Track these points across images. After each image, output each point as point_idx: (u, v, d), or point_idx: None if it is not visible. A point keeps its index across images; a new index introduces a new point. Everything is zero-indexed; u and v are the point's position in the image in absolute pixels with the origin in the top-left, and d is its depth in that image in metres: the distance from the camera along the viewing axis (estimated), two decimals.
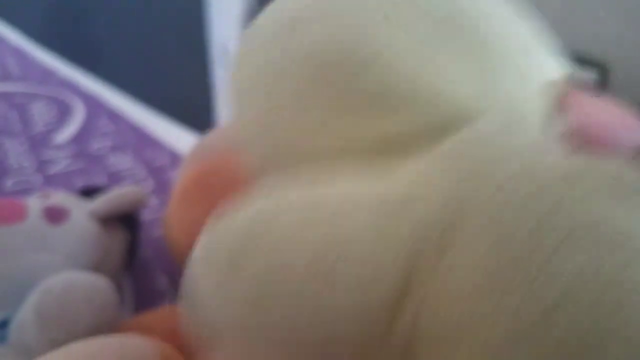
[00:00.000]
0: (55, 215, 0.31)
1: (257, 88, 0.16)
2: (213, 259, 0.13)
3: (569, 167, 0.11)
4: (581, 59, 0.26)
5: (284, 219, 0.12)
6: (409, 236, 0.11)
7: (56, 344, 0.22)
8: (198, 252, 0.13)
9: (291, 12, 0.16)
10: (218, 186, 0.32)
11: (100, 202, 0.33)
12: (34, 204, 0.32)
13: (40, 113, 0.75)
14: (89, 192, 0.38)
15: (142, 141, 0.67)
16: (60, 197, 0.34)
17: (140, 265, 0.42)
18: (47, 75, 0.95)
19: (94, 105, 0.79)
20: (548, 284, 0.09)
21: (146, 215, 0.48)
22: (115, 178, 0.57)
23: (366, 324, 0.11)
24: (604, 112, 0.14)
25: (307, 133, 0.15)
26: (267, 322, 0.11)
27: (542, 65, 0.16)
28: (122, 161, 0.61)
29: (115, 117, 0.75)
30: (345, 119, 0.14)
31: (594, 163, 0.11)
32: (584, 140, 0.13)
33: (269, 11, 0.17)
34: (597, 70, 0.26)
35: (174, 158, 0.62)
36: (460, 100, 0.14)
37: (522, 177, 0.11)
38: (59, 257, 0.30)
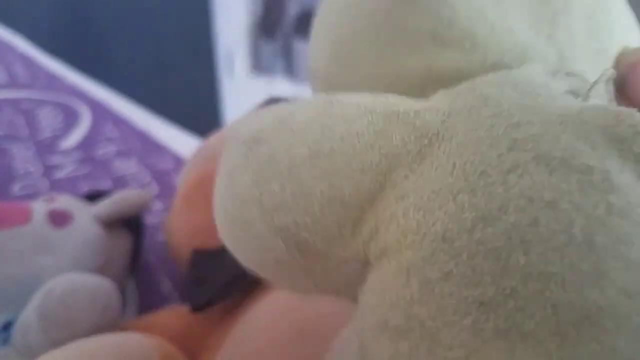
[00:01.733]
0: (59, 218, 0.32)
1: (331, 14, 0.17)
2: (239, 138, 0.13)
3: (574, 111, 0.11)
4: None
5: (300, 112, 0.13)
6: (399, 140, 0.12)
7: (59, 345, 0.23)
8: (232, 134, 0.14)
9: None
10: None
11: (104, 206, 0.34)
12: (39, 207, 0.33)
13: (47, 119, 0.76)
14: (93, 197, 0.38)
15: (147, 146, 0.67)
16: (64, 201, 0.34)
17: (143, 268, 0.42)
18: (53, 82, 0.95)
19: (100, 111, 0.80)
20: (490, 196, 0.10)
21: (150, 220, 0.48)
22: (120, 183, 0.57)
23: (339, 214, 0.12)
24: None
25: (363, 67, 0.15)
26: (262, 198, 0.12)
27: (620, 29, 0.16)
28: (127, 166, 0.62)
29: (120, 122, 0.75)
30: (399, 51, 0.15)
31: (604, 113, 0.11)
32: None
33: None
34: None
35: (179, 163, 0.62)
36: (518, 46, 0.14)
37: (518, 109, 0.12)
38: (62, 260, 0.30)
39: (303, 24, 1.79)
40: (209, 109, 2.00)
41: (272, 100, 0.38)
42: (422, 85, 0.14)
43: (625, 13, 0.17)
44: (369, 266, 0.12)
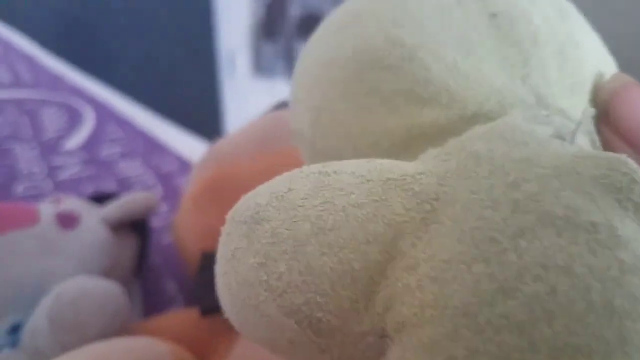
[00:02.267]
0: (67, 220, 0.32)
1: (309, 79, 0.17)
2: (237, 217, 0.13)
3: (566, 161, 0.11)
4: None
5: (297, 186, 0.12)
6: (400, 208, 0.12)
7: (68, 349, 0.23)
8: (230, 214, 0.13)
9: (352, 9, 0.17)
10: (229, 192, 0.32)
11: (112, 208, 0.33)
12: (46, 209, 0.32)
13: (51, 119, 0.76)
14: (99, 198, 0.38)
15: (151, 148, 0.67)
16: (71, 203, 0.34)
17: (149, 270, 0.42)
18: (57, 82, 0.95)
19: (104, 112, 0.80)
20: (505, 266, 0.10)
21: (155, 222, 0.48)
22: (125, 184, 0.57)
23: (350, 289, 0.11)
24: None
25: (343, 130, 0.16)
26: (270, 280, 0.12)
27: (592, 60, 0.16)
28: (131, 167, 0.61)
29: (124, 123, 0.75)
30: (377, 113, 0.15)
31: (596, 161, 0.11)
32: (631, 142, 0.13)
33: (336, 10, 0.18)
34: None
35: (182, 165, 0.62)
36: (494, 93, 0.14)
37: (512, 165, 0.12)
38: (70, 263, 0.30)
39: (304, 25, 1.79)
40: (210, 110, 2.00)
41: (282, 105, 0.38)
42: (405, 143, 0.15)
43: (596, 45, 0.17)
44: (387, 339, 0.12)
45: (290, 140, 0.33)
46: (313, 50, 0.18)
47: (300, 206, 0.12)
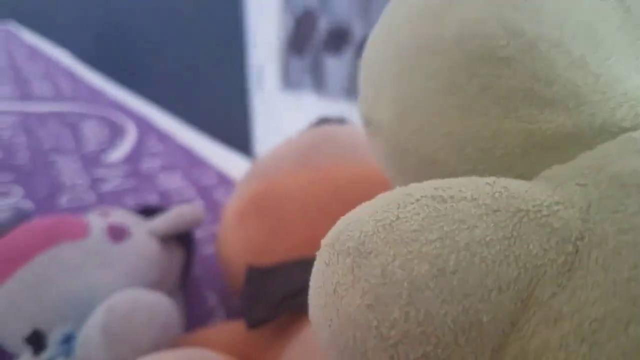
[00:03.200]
0: (117, 233, 0.32)
1: (394, 66, 0.14)
2: (338, 246, 0.11)
3: None
4: None
5: (407, 215, 0.11)
6: (537, 248, 0.10)
7: None
8: (327, 240, 0.12)
9: None
10: (273, 207, 0.32)
11: (161, 221, 0.34)
12: (96, 221, 0.33)
13: (92, 132, 0.78)
14: (145, 211, 0.39)
15: (190, 161, 0.68)
16: (120, 215, 0.35)
17: (190, 282, 0.43)
18: (97, 96, 0.98)
19: (144, 126, 0.81)
20: None
21: (196, 234, 0.49)
22: (165, 197, 0.58)
23: (475, 342, 0.10)
24: None
25: (442, 129, 0.13)
26: (381, 327, 0.10)
27: None
28: (171, 180, 0.62)
29: (164, 137, 0.77)
30: (489, 113, 0.13)
31: None
32: None
33: None
34: None
35: (221, 178, 0.63)
36: (627, 97, 0.12)
37: None
38: (120, 275, 0.31)
39: (332, 40, 1.80)
40: (239, 122, 2.02)
41: (323, 121, 0.38)
42: (522, 151, 0.12)
43: None
44: None
45: (335, 153, 0.34)
46: (394, 33, 0.15)
47: (414, 240, 0.10)
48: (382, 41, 0.15)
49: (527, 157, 0.12)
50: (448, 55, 0.13)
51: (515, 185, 0.11)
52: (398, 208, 0.11)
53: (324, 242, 0.12)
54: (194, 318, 0.39)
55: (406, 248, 0.10)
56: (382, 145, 0.16)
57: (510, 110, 0.12)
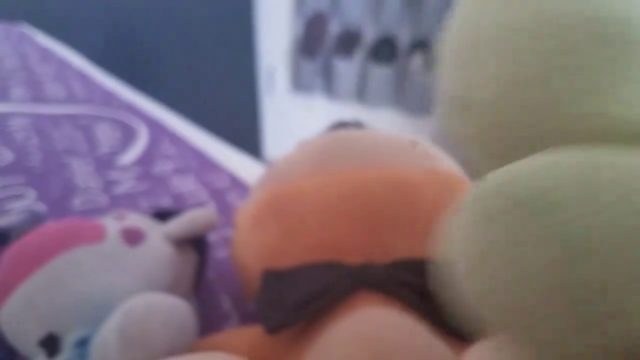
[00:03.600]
0: (132, 237, 0.32)
1: (493, 44, 0.14)
2: (508, 202, 0.10)
3: None
4: None
5: (606, 175, 0.09)
6: None
7: None
8: (477, 194, 0.10)
9: None
10: (289, 211, 0.32)
11: (176, 225, 0.34)
12: (111, 225, 0.33)
13: (105, 135, 0.78)
14: (160, 214, 0.39)
15: (203, 164, 0.68)
16: (135, 219, 0.35)
17: (204, 286, 0.42)
18: (109, 98, 0.98)
19: (157, 129, 0.82)
20: None
21: (209, 237, 0.48)
22: (179, 200, 0.58)
23: None
24: None
25: (558, 105, 0.12)
26: (576, 290, 0.09)
27: None
28: (184, 183, 0.62)
29: (176, 140, 0.77)
30: (623, 88, 0.11)
31: None
32: None
33: None
34: None
35: (234, 181, 0.63)
36: None
37: None
38: (135, 279, 0.31)
39: (343, 43, 1.80)
40: (249, 125, 2.02)
41: (341, 124, 0.38)
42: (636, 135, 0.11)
43: None
44: None
45: (351, 157, 0.33)
46: (489, 10, 0.14)
47: (610, 204, 0.09)
48: (470, 16, 0.14)
49: None
50: (561, 36, 0.12)
51: None
52: (592, 168, 0.10)
53: (471, 197, 0.10)
54: (207, 322, 0.39)
55: (609, 210, 0.09)
56: (469, 123, 0.14)
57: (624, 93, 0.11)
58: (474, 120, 0.14)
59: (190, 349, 0.29)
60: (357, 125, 0.38)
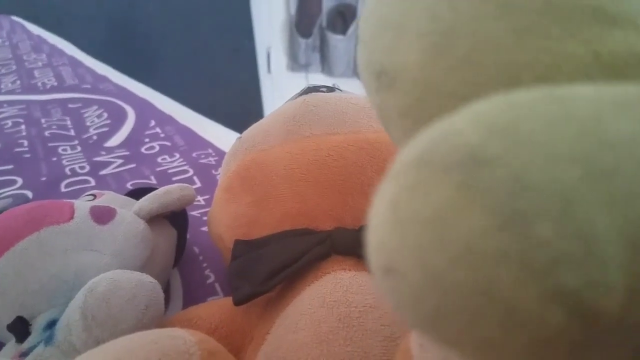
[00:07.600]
0: (102, 215, 0.31)
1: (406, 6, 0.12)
2: (436, 162, 0.09)
3: None
4: None
5: (526, 119, 0.08)
6: None
7: (102, 343, 0.22)
8: (406, 158, 0.09)
9: None
10: (260, 179, 0.31)
11: (147, 201, 0.33)
12: (82, 204, 0.32)
13: (92, 118, 0.77)
14: (138, 193, 0.38)
15: (189, 142, 0.67)
16: (107, 197, 0.34)
17: (188, 260, 0.42)
18: (98, 82, 0.97)
19: (143, 109, 0.81)
20: None
21: (195, 212, 0.48)
22: (164, 178, 0.58)
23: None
24: None
25: (490, 58, 0.11)
26: (528, 252, 0.08)
27: None
28: (170, 162, 0.62)
29: (163, 120, 0.76)
30: (551, 34, 0.10)
31: None
32: None
33: None
34: None
35: (220, 157, 0.62)
36: None
37: None
38: (106, 257, 0.30)
39: (337, 18, 1.77)
40: (248, 104, 2.01)
41: (310, 89, 0.36)
42: (589, 77, 0.10)
43: None
44: None
45: (320, 122, 0.32)
46: None
47: (546, 142, 0.08)
48: None
49: (593, 83, 0.10)
50: None
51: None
52: (511, 116, 0.08)
53: (400, 162, 0.09)
54: (192, 296, 0.38)
55: (542, 150, 0.08)
56: (400, 99, 0.13)
57: (574, 31, 0.11)
58: (393, 95, 0.12)
59: (163, 323, 0.29)
60: (329, 89, 0.37)
